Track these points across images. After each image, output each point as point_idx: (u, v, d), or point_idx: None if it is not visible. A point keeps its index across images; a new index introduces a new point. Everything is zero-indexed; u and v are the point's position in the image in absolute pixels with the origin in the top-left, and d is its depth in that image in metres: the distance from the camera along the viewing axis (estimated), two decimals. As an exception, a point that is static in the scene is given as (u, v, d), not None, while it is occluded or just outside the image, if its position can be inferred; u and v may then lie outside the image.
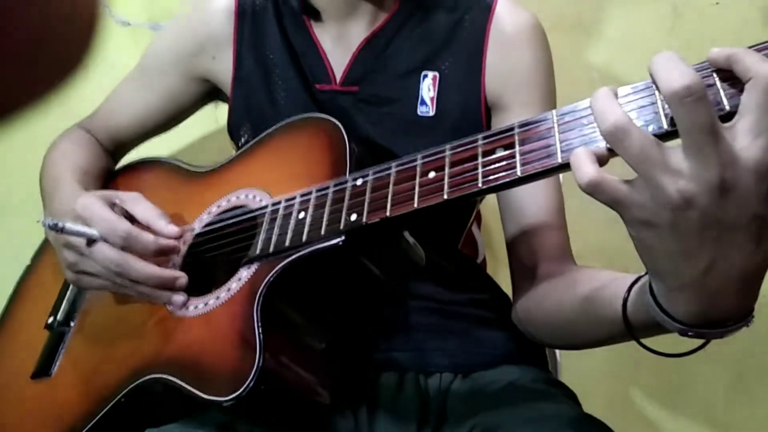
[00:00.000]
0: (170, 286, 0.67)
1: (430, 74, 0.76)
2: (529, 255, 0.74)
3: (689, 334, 0.47)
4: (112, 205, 0.70)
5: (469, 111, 0.75)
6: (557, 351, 0.94)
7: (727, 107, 0.43)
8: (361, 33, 0.78)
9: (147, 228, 0.69)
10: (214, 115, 1.25)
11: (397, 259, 0.65)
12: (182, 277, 0.67)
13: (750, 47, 0.44)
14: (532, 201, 0.74)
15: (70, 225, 0.66)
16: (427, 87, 0.76)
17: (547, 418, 0.61)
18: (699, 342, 0.48)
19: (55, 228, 0.65)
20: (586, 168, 0.43)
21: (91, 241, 0.66)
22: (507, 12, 0.77)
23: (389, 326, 0.73)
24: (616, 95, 0.44)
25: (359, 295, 0.67)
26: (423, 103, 0.76)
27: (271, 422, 0.62)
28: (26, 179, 1.20)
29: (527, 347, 0.76)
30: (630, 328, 0.53)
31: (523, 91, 0.75)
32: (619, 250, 0.81)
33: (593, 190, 0.43)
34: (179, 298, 0.66)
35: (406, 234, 0.65)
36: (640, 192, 0.42)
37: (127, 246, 0.66)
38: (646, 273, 0.49)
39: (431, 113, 0.75)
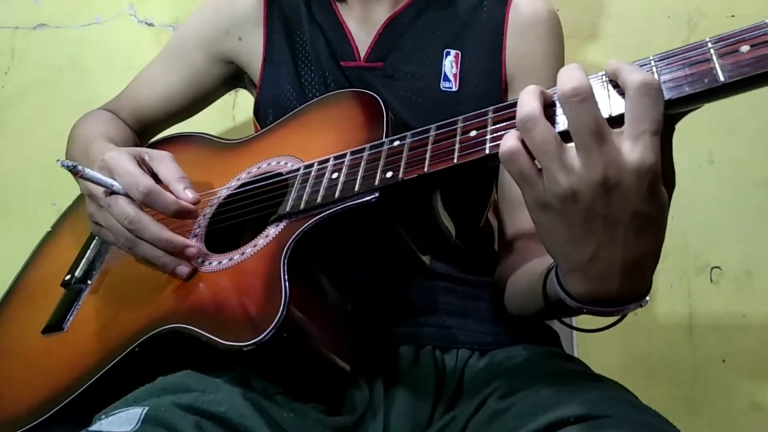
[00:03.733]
0: (179, 253, 0.64)
1: (453, 52, 0.79)
2: (512, 229, 0.77)
3: (584, 311, 0.52)
4: (142, 161, 0.69)
5: (491, 87, 0.78)
6: (574, 350, 0.93)
7: (613, 113, 0.47)
8: (384, 14, 0.82)
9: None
10: (231, 114, 1.26)
11: (428, 226, 0.64)
12: (192, 247, 0.64)
13: (636, 61, 0.49)
14: None
15: (89, 171, 0.64)
16: (450, 63, 0.79)
17: (567, 378, 0.60)
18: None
19: (73, 170, 0.63)
20: (511, 140, 0.48)
21: (111, 193, 0.65)
22: (525, 0, 0.81)
23: (412, 303, 0.73)
24: (542, 93, 0.48)
25: (387, 262, 0.65)
26: (446, 78, 0.78)
27: (288, 384, 0.61)
28: (46, 172, 1.22)
29: (545, 330, 0.77)
30: (548, 303, 0.58)
31: (534, 73, 0.79)
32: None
33: (508, 159, 0.47)
34: (184, 269, 0.64)
35: (439, 201, 0.64)
36: (542, 178, 0.47)
37: (147, 202, 0.64)
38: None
39: (454, 88, 0.78)
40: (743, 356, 1.17)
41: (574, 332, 0.93)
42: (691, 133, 1.22)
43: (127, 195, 0.65)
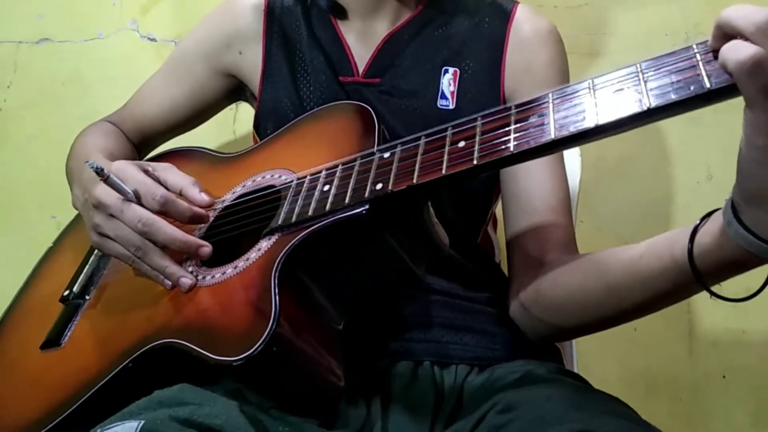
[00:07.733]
0: (194, 252, 0.66)
1: (451, 70, 0.79)
2: (536, 242, 0.75)
3: None
4: (146, 172, 0.70)
5: (489, 105, 0.77)
6: (574, 365, 0.92)
7: None
8: (384, 29, 0.82)
9: (179, 196, 0.69)
10: (232, 128, 1.27)
11: (420, 237, 0.64)
12: (207, 246, 0.66)
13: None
14: (539, 190, 0.76)
15: (113, 176, 0.65)
16: (448, 82, 0.79)
17: (567, 393, 0.60)
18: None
19: (100, 173, 0.64)
20: (750, 48, 0.44)
21: (125, 201, 0.65)
22: (526, 17, 0.81)
23: (407, 318, 0.72)
24: None
25: (380, 276, 0.65)
26: (443, 96, 0.78)
27: (282, 399, 0.60)
28: (47, 185, 1.22)
29: (545, 345, 0.76)
30: (696, 271, 0.56)
31: (538, 86, 0.78)
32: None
33: (756, 69, 0.43)
34: (187, 280, 0.65)
35: (431, 212, 0.64)
36: None
37: (163, 210, 0.66)
38: (704, 219, 0.55)
39: (451, 107, 0.78)
40: (743, 372, 1.16)
41: (574, 348, 0.93)
42: (689, 149, 1.23)
43: (139, 203, 0.66)
